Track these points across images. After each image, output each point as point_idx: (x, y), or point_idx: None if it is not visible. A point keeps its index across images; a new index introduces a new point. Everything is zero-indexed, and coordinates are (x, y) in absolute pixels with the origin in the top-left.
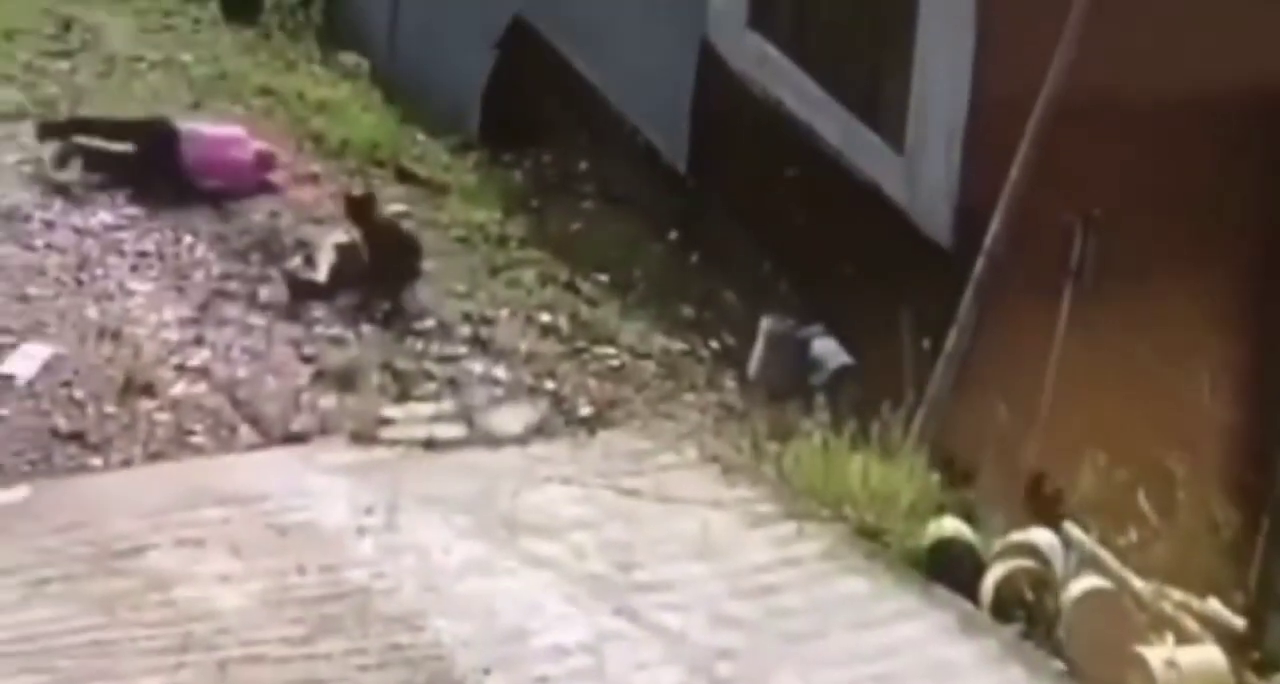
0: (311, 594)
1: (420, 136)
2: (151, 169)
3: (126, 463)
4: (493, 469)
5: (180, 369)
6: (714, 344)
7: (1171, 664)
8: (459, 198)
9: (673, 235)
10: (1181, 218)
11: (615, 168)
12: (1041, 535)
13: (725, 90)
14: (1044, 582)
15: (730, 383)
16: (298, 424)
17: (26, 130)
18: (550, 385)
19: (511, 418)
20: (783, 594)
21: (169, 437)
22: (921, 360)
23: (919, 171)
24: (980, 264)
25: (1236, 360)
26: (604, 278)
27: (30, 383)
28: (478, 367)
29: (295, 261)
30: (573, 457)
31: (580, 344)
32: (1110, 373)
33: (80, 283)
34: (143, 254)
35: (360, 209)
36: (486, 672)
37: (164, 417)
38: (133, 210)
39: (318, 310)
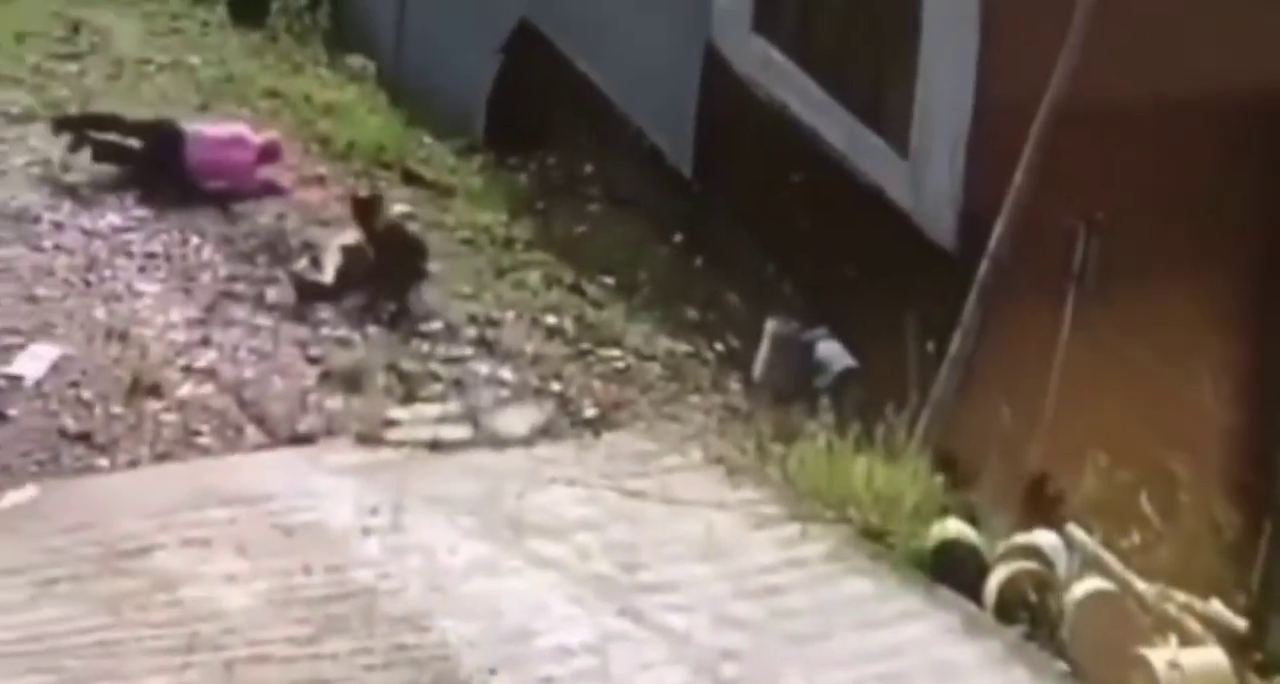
0: (317, 594)
1: (426, 139)
2: (157, 170)
3: (133, 463)
4: (498, 470)
5: (187, 370)
6: (719, 346)
7: (1174, 665)
8: (465, 200)
9: (678, 238)
10: (1184, 221)
11: (620, 171)
12: (1045, 537)
13: (730, 94)
14: (1047, 583)
15: (735, 385)
16: (304, 425)
17: (36, 132)
18: (555, 387)
19: (517, 419)
20: (787, 595)
21: (176, 437)
22: (925, 363)
23: (923, 175)
24: (984, 267)
25: (1238, 362)
26: (609, 280)
27: (38, 383)
28: (483, 368)
29: (302, 263)
30: (578, 458)
31: (585, 346)
32: (1113, 375)
33: (88, 284)
34: (150, 255)
35: (366, 210)
36: (492, 672)
37: (171, 417)
38: (141, 212)
39: (324, 312)
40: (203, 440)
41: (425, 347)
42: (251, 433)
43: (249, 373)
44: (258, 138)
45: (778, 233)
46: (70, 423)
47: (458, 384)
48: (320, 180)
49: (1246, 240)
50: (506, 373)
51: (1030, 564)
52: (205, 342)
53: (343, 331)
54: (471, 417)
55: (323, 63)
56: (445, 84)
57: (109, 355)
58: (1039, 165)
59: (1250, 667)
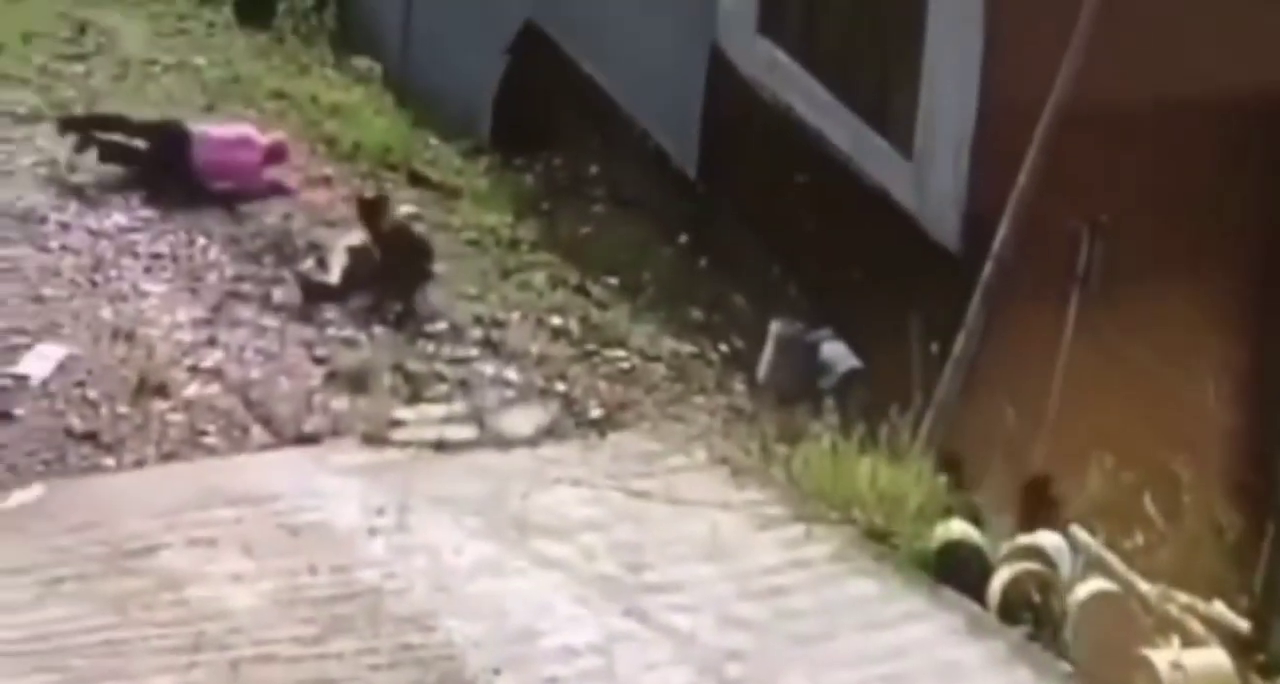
0: (323, 594)
1: (432, 140)
2: (163, 171)
3: (140, 463)
4: (503, 470)
5: (193, 370)
6: (723, 347)
7: (1177, 666)
8: (470, 201)
9: (683, 239)
10: (1188, 223)
11: (626, 172)
12: (1048, 538)
13: (735, 95)
14: (1051, 584)
15: (740, 386)
16: (310, 425)
17: (43, 132)
18: (561, 388)
19: (522, 420)
20: (791, 596)
21: (182, 437)
22: (930, 364)
23: (928, 177)
24: (988, 269)
25: (1242, 364)
26: (614, 281)
27: (45, 383)
28: (488, 369)
29: (308, 264)
30: (583, 458)
31: (590, 347)
32: (1116, 377)
33: (94, 284)
34: (156, 256)
35: (372, 211)
36: (497, 672)
37: (177, 417)
38: (147, 212)
39: (330, 312)
40: (209, 440)
41: (431, 347)
42: (257, 433)
43: (255, 373)
44: (264, 138)
45: (783, 234)
46: (76, 422)
47: (463, 384)
48: (326, 181)
49: (1249, 242)
50: (512, 373)
51: (1034, 565)
52: (211, 342)
53: (349, 332)
54: (477, 417)
55: (329, 64)
56: (451, 86)
57: (115, 355)
58: (1043, 167)
59: (1252, 668)
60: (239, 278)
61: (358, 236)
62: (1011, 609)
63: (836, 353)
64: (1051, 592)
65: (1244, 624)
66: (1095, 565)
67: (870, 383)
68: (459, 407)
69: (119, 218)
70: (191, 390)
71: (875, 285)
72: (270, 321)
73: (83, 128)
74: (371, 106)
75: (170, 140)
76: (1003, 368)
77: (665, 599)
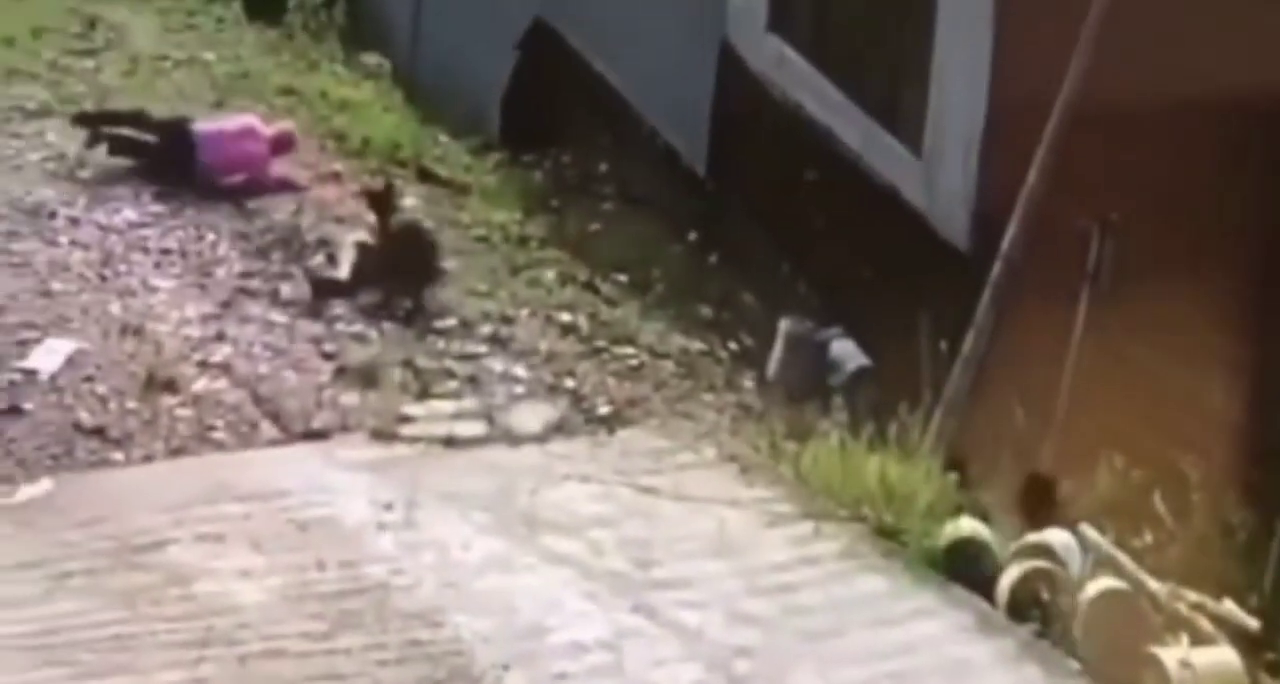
0: (331, 590)
1: (442, 137)
2: (172, 166)
3: (148, 458)
4: (512, 466)
5: (202, 365)
6: (732, 345)
7: (1186, 665)
8: (480, 198)
9: (692, 236)
10: (1199, 221)
11: (635, 169)
12: (1057, 536)
13: (745, 92)
14: (1060, 582)
15: (748, 383)
16: (319, 421)
17: (53, 127)
18: (570, 384)
19: (531, 416)
20: (800, 592)
21: (190, 432)
22: (939, 362)
23: (937, 175)
24: (997, 268)
25: (1252, 363)
26: (623, 278)
27: (53, 378)
28: (498, 365)
29: (317, 260)
30: (592, 455)
31: (600, 343)
32: (1126, 376)
33: (104, 279)
34: (166, 251)
35: (380, 201)
36: (506, 668)
37: (185, 412)
38: (156, 208)
39: (339, 308)
40: (217, 435)
41: (440, 343)
42: (266, 428)
43: (264, 368)
44: (269, 129)
45: (792, 232)
46: (85, 417)
47: (472, 381)
48: (336, 177)
49: (1263, 241)
50: (521, 370)
51: (1043, 563)
52: (220, 337)
53: (358, 328)
54: (486, 413)
55: (338, 60)
56: (460, 82)
57: (124, 350)
58: (1052, 166)
59: (1262, 666)
60: (248, 273)
61: (366, 233)
62: (1020, 607)
63: (846, 351)
64: (1061, 590)
65: (1254, 622)
66: (1104, 564)
67: (879, 381)
68: (468, 403)
69: (129, 213)
70: (200, 386)
71: (885, 284)
72: (279, 317)
73: (95, 123)
74: (381, 103)
75: (180, 135)
76: (1012, 366)
77: (674, 595)
